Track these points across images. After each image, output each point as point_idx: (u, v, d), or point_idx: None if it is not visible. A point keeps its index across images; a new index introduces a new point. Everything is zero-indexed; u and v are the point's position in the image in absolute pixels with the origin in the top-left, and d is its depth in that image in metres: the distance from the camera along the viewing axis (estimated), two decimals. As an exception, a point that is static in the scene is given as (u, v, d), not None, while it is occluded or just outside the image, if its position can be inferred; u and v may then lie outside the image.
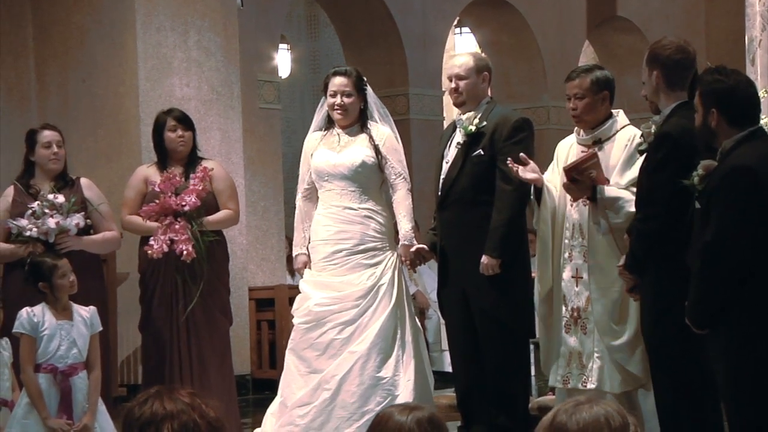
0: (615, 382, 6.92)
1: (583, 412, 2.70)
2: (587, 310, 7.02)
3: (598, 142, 7.02)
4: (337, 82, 7.73)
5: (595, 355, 6.98)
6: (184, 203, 8.03)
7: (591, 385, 7.00)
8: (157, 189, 8.11)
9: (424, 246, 7.71)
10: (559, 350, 7.16)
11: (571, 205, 7.08)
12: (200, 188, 8.09)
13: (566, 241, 7.11)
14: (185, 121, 8.33)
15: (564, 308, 7.14)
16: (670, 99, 6.23)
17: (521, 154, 7.09)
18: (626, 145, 6.93)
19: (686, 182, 5.63)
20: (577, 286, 7.08)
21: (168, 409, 3.17)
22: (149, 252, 8.00)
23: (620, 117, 7.11)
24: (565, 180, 6.91)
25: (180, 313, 8.11)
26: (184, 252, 7.94)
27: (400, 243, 7.72)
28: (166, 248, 7.96)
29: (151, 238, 8.02)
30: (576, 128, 7.24)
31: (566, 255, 7.13)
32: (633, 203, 6.58)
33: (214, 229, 8.15)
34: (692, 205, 5.70)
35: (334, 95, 7.71)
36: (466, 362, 7.50)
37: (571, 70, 7.37)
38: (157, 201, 8.07)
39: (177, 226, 7.99)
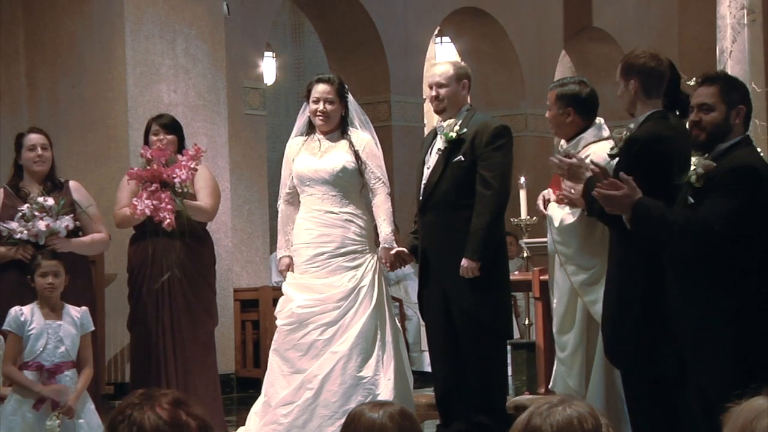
0: (560, 383, 7.01)
1: (556, 414, 2.70)
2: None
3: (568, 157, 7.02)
4: (320, 89, 7.73)
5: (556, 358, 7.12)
6: (175, 176, 8.06)
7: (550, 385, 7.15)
8: (148, 156, 8.13)
9: (404, 249, 7.72)
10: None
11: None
12: (192, 166, 8.12)
13: None
14: (168, 126, 8.35)
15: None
16: (646, 107, 6.23)
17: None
18: None
19: (684, 178, 5.63)
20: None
21: (151, 415, 3.12)
22: (130, 212, 8.04)
23: (587, 134, 7.06)
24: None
25: (166, 313, 8.12)
26: (167, 220, 7.95)
27: (381, 246, 7.72)
28: (148, 212, 7.98)
29: (135, 198, 8.05)
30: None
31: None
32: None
33: (188, 212, 8.16)
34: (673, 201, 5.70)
35: (316, 102, 7.71)
36: (446, 362, 7.50)
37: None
38: (149, 168, 8.09)
39: (163, 195, 8.02)
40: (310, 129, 7.86)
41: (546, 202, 7.17)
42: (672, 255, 5.67)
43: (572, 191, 6.41)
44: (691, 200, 5.60)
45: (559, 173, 6.35)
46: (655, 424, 6.06)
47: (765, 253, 5.49)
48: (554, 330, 7.09)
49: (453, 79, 7.53)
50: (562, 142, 7.23)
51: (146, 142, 8.38)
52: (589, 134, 7.04)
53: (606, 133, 6.96)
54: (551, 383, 7.25)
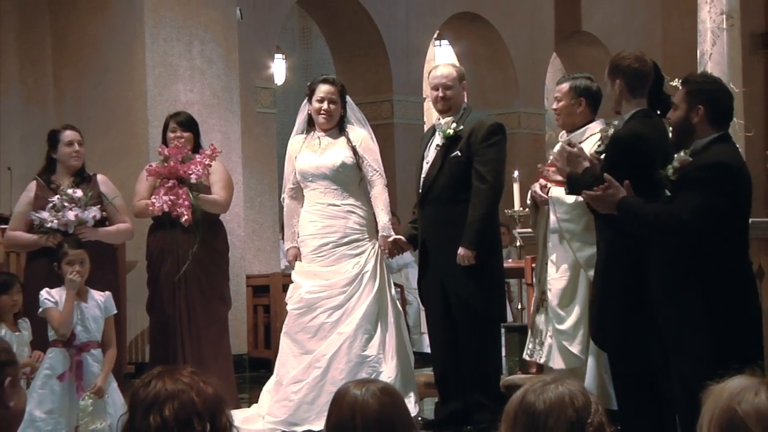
0: (560, 361, 6.99)
1: (549, 392, 2.71)
2: (547, 293, 7.10)
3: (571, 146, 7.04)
4: (325, 89, 7.75)
5: (548, 333, 7.08)
6: (191, 172, 8.07)
7: (541, 360, 7.11)
8: (166, 153, 8.15)
9: (401, 237, 7.74)
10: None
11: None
12: (207, 163, 8.13)
13: (548, 234, 7.21)
14: (185, 124, 8.36)
15: (538, 290, 7.24)
16: (631, 105, 6.21)
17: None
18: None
19: (662, 173, 5.64)
20: (546, 272, 7.16)
21: (169, 390, 3.17)
22: (150, 207, 8.06)
23: (593, 125, 7.12)
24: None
25: (182, 300, 8.14)
26: (184, 217, 7.97)
27: (380, 234, 7.74)
28: (166, 208, 8.00)
29: (153, 195, 8.07)
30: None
31: (544, 246, 7.23)
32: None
33: (203, 207, 8.17)
34: (659, 196, 5.70)
35: (321, 101, 7.73)
36: (444, 345, 7.51)
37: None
38: (167, 164, 8.10)
39: (180, 191, 8.04)
40: (309, 127, 7.88)
41: (544, 188, 7.18)
42: (654, 247, 5.67)
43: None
44: (668, 194, 5.63)
45: (557, 160, 6.32)
46: (642, 406, 6.06)
47: (736, 246, 5.49)
48: (553, 304, 7.05)
49: (457, 80, 7.55)
50: (562, 133, 7.24)
51: (164, 137, 8.39)
52: (594, 125, 7.07)
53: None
54: (544, 358, 7.18)
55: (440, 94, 7.54)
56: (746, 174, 5.54)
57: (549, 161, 6.80)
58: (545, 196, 7.14)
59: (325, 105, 7.72)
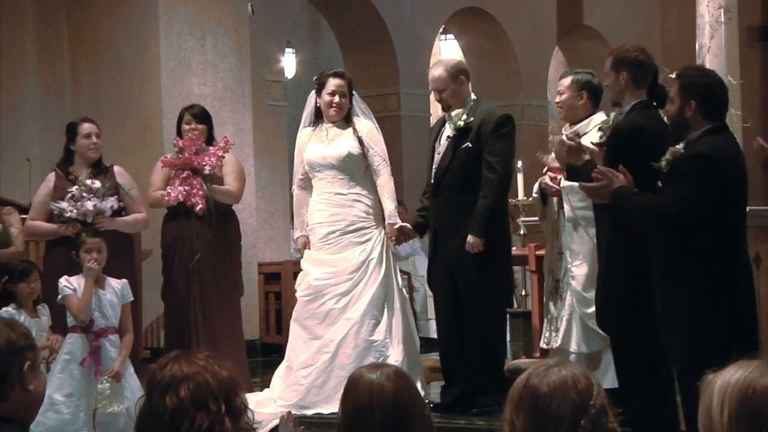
0: (583, 344, 6.98)
1: (552, 375, 2.71)
2: (563, 280, 7.07)
3: (577, 137, 7.02)
4: (336, 82, 7.76)
5: (564, 318, 7.06)
6: (205, 163, 8.08)
7: (556, 344, 7.08)
8: (181, 145, 8.15)
9: (407, 224, 7.74)
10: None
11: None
12: (220, 154, 8.14)
13: (559, 223, 7.19)
14: (199, 116, 8.37)
15: (550, 279, 7.21)
16: (633, 97, 6.20)
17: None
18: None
19: (655, 165, 5.64)
20: (560, 260, 7.14)
21: (185, 372, 3.18)
22: (165, 198, 8.08)
23: (596, 117, 7.12)
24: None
25: (196, 286, 8.15)
26: (199, 206, 7.99)
27: (386, 221, 7.74)
28: (181, 198, 8.01)
29: (168, 186, 8.08)
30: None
31: (556, 236, 7.20)
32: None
33: (217, 197, 8.18)
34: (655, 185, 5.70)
35: (332, 94, 7.74)
36: (450, 330, 7.50)
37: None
38: (182, 156, 8.10)
39: (195, 182, 8.05)
40: (317, 119, 7.89)
41: (554, 180, 7.17)
42: (651, 236, 5.68)
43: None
44: (660, 184, 5.63)
45: (558, 151, 6.31)
46: (642, 389, 6.05)
47: (729, 235, 5.48)
48: (578, 289, 7.01)
49: (449, 81, 7.49)
50: (566, 126, 7.23)
51: (179, 129, 8.40)
52: (598, 117, 7.06)
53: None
54: (559, 342, 7.13)
55: (436, 97, 7.58)
56: (735, 165, 5.51)
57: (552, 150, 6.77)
58: (557, 187, 7.12)
59: (336, 98, 7.74)
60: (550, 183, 7.22)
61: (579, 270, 7.03)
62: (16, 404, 3.09)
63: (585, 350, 6.98)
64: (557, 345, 7.15)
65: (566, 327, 7.10)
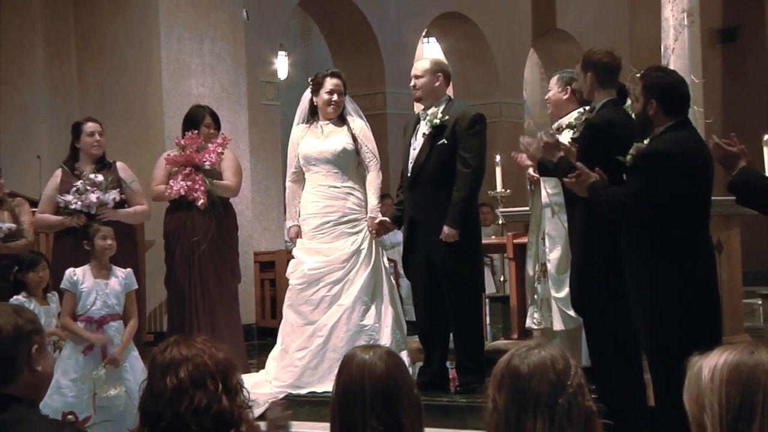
0: (560, 323, 6.98)
1: (532, 356, 2.70)
2: (548, 263, 7.08)
3: (558, 130, 7.00)
4: (334, 82, 7.77)
5: (552, 300, 7.06)
6: (205, 160, 8.07)
7: (548, 325, 7.06)
8: (183, 143, 8.13)
9: (387, 219, 7.73)
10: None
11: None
12: (219, 151, 8.12)
13: (542, 211, 7.20)
14: (217, 121, 8.42)
15: (538, 264, 7.21)
16: (601, 95, 6.23)
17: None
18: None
19: (620, 159, 5.66)
20: (544, 245, 7.14)
21: (184, 354, 3.20)
22: (167, 191, 8.06)
23: (575, 112, 7.11)
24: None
25: (196, 274, 8.13)
26: (200, 200, 7.97)
27: (368, 215, 7.74)
28: (183, 192, 8.00)
29: (171, 180, 8.07)
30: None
31: (541, 222, 7.21)
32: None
33: (217, 191, 8.16)
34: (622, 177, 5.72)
35: (330, 93, 7.75)
36: (428, 313, 7.47)
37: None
38: (184, 153, 8.09)
39: (197, 177, 8.04)
40: (311, 116, 7.88)
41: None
42: (620, 225, 5.69)
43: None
44: (624, 177, 5.66)
45: (526, 149, 6.32)
46: (613, 366, 6.06)
47: (681, 225, 5.47)
48: (552, 271, 7.01)
49: (428, 72, 7.49)
50: (554, 125, 7.19)
51: (190, 126, 8.32)
52: (576, 112, 7.02)
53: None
54: (547, 323, 7.12)
55: (413, 83, 7.53)
56: (695, 158, 5.50)
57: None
58: (536, 175, 7.12)
59: (334, 96, 7.76)
60: (533, 173, 7.22)
61: (553, 254, 7.04)
62: (25, 385, 3.11)
63: (563, 328, 6.97)
64: (549, 325, 7.11)
65: (556, 308, 7.10)
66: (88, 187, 7.82)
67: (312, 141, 7.80)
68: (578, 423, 2.64)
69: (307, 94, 7.91)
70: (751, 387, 2.45)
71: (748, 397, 2.44)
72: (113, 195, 7.89)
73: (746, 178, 5.28)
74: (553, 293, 6.99)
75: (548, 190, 7.03)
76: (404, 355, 7.50)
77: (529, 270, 7.44)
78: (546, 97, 7.41)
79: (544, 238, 7.18)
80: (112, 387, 6.92)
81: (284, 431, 3.55)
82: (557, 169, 6.03)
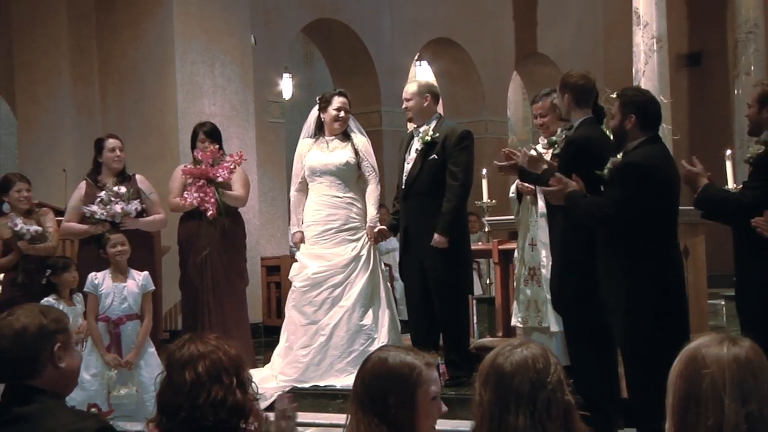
0: (556, 325, 6.94)
1: (515, 355, 2.70)
2: (540, 269, 7.02)
3: (553, 144, 6.97)
4: (341, 100, 7.79)
5: (548, 302, 7.01)
6: (218, 174, 8.07)
7: (545, 323, 7.01)
8: (199, 157, 8.12)
9: (384, 227, 7.73)
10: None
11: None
12: (232, 167, 8.12)
13: (530, 219, 7.16)
14: (211, 135, 8.35)
15: (524, 268, 7.17)
16: (578, 114, 6.22)
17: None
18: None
19: (598, 173, 5.66)
20: (533, 251, 7.11)
21: (201, 351, 3.19)
22: (182, 202, 8.06)
23: (559, 130, 7.08)
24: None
25: (208, 277, 8.13)
26: (210, 212, 7.98)
27: (367, 224, 7.74)
28: (195, 203, 8.00)
29: (185, 192, 8.06)
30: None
31: (528, 230, 7.17)
32: None
33: (227, 202, 8.15)
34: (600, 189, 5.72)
35: (338, 110, 7.75)
36: (419, 313, 7.46)
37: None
38: (199, 166, 8.08)
39: (208, 190, 8.05)
40: (318, 132, 7.87)
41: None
42: (597, 232, 5.69)
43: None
44: (602, 189, 5.65)
45: (519, 157, 6.29)
46: (591, 363, 6.05)
47: (653, 231, 5.48)
48: (547, 276, 6.89)
49: (416, 94, 7.51)
50: (539, 144, 7.13)
51: (193, 142, 8.37)
52: (559, 131, 7.00)
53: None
54: (546, 323, 7.08)
55: (404, 106, 7.56)
56: (664, 171, 5.52)
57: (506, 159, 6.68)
58: (531, 187, 7.07)
59: (341, 113, 7.76)
60: (526, 184, 7.19)
61: (549, 261, 7.00)
62: (49, 379, 3.11)
63: (558, 329, 6.93)
64: (544, 324, 7.07)
65: (546, 310, 7.05)
66: (112, 198, 7.83)
67: (318, 154, 7.80)
68: (557, 417, 2.64)
69: (314, 111, 7.91)
70: (696, 378, 2.41)
71: (694, 390, 2.41)
72: (135, 205, 7.90)
73: (708, 193, 5.47)
74: (548, 297, 6.96)
75: (544, 200, 6.99)
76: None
77: (516, 273, 7.43)
78: (538, 122, 7.27)
79: (533, 244, 7.15)
80: (123, 387, 6.93)
81: (291, 421, 3.55)
82: (540, 179, 6.04)
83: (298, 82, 16.62)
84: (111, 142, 8.14)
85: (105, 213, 7.79)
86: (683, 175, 5.57)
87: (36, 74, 11.35)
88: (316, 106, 7.89)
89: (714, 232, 7.41)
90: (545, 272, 6.98)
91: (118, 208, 7.80)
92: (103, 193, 7.84)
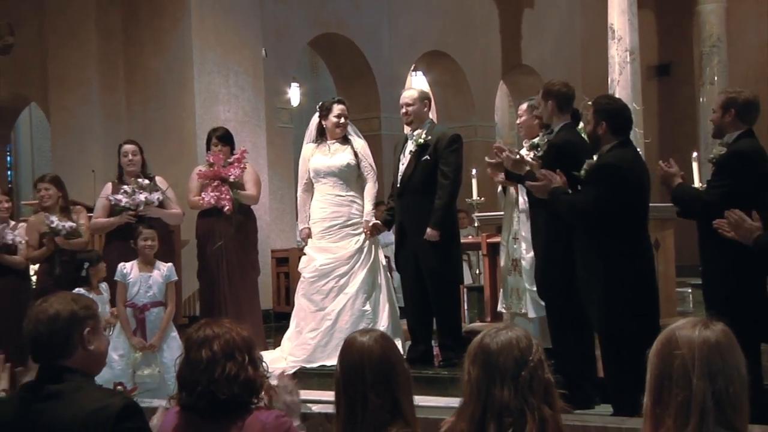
0: (533, 312, 6.94)
1: (501, 336, 2.71)
2: (521, 261, 7.02)
3: (536, 147, 6.95)
4: (341, 108, 7.78)
5: (527, 291, 7.01)
6: (230, 174, 8.08)
7: (524, 310, 7.01)
8: (212, 160, 8.13)
9: (379, 222, 7.73)
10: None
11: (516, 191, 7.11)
12: (241, 165, 8.10)
13: (513, 214, 7.15)
14: (223, 139, 8.34)
15: (507, 258, 7.17)
16: (559, 120, 6.23)
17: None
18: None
19: (576, 174, 5.67)
20: (515, 244, 7.11)
21: (216, 332, 3.23)
22: (200, 202, 8.08)
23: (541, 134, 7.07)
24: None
25: (223, 268, 8.14)
26: (226, 207, 7.98)
27: (363, 219, 7.73)
28: (212, 202, 8.01)
29: (203, 192, 8.08)
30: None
31: (512, 224, 7.16)
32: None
33: (241, 200, 8.16)
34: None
35: (339, 116, 7.75)
36: (415, 302, 7.46)
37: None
38: (212, 168, 8.09)
39: (223, 188, 8.05)
40: (320, 136, 7.87)
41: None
42: (577, 226, 5.69)
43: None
44: (579, 188, 5.66)
45: (503, 160, 6.28)
46: (570, 345, 6.06)
47: (626, 226, 5.48)
48: (527, 268, 6.84)
49: (417, 100, 7.50)
50: (523, 149, 7.12)
51: (208, 145, 8.38)
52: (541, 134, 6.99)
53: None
54: (524, 309, 7.05)
55: (404, 110, 7.52)
56: (635, 172, 5.53)
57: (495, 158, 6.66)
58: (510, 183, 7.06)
59: (341, 120, 7.75)
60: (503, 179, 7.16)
61: (529, 254, 6.99)
62: (80, 360, 3.13)
63: (535, 315, 6.93)
64: (522, 311, 7.06)
65: (526, 298, 7.06)
66: (136, 189, 7.88)
67: (321, 157, 7.80)
68: (538, 392, 2.65)
69: (315, 118, 7.91)
70: (669, 358, 2.42)
71: (667, 368, 2.42)
72: (157, 195, 7.98)
73: (680, 192, 5.51)
74: (527, 286, 6.96)
75: (524, 197, 6.99)
76: (398, 336, 7.52)
77: (501, 263, 7.43)
78: (518, 122, 7.31)
79: (515, 238, 7.15)
80: (147, 368, 6.94)
81: (295, 396, 3.58)
82: (523, 180, 6.04)
83: (305, 91, 16.61)
84: (125, 148, 8.18)
85: (130, 202, 7.84)
86: (660, 174, 5.59)
87: (68, 84, 11.37)
88: (317, 114, 7.89)
89: (682, 227, 7.42)
90: (525, 264, 6.99)
91: (141, 197, 7.87)
92: (127, 186, 7.91)
